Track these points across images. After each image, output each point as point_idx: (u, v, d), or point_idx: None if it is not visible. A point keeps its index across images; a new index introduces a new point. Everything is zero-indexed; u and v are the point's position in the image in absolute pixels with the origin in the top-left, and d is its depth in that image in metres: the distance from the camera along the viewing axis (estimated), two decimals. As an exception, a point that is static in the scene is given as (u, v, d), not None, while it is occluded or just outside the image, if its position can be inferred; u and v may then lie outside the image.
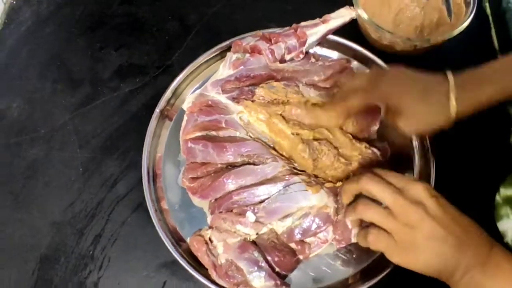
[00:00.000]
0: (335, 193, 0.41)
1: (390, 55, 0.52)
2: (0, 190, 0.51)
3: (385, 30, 0.49)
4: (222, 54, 0.53)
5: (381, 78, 0.40)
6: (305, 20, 0.58)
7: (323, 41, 0.53)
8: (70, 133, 0.54)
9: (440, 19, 0.53)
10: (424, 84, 0.38)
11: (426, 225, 0.31)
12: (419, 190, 0.33)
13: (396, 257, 0.33)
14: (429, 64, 0.41)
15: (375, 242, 0.34)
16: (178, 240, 0.44)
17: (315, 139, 0.44)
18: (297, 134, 0.44)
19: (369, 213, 0.34)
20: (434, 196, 0.33)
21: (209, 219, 0.44)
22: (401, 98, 0.38)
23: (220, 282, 0.40)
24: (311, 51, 0.53)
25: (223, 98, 0.47)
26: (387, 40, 0.50)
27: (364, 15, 0.50)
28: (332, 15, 0.53)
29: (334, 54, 0.54)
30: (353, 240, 0.40)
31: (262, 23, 0.59)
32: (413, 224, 0.32)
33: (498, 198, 0.42)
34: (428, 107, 0.38)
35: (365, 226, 0.37)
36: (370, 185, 0.34)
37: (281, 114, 0.45)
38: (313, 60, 0.52)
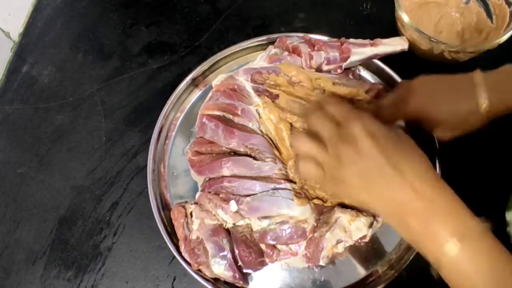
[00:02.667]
0: (320, 212, 0.41)
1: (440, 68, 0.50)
2: (27, 151, 0.53)
3: (440, 42, 0.47)
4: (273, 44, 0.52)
5: (408, 91, 0.39)
6: (335, 12, 0.58)
7: (367, 63, 0.51)
8: (96, 103, 0.55)
9: (480, 22, 0.52)
10: (450, 84, 0.38)
11: (352, 162, 0.31)
12: (356, 128, 0.32)
13: (327, 188, 0.35)
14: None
15: (305, 170, 0.34)
16: (164, 205, 0.46)
17: None
18: None
19: (303, 145, 0.34)
20: (371, 134, 0.31)
21: (197, 195, 0.45)
22: (430, 106, 0.38)
23: (185, 256, 0.41)
24: (352, 68, 0.51)
25: (248, 87, 0.48)
26: (439, 50, 0.48)
27: (416, 30, 0.48)
28: (384, 40, 0.49)
29: (373, 79, 0.52)
30: (321, 263, 0.40)
31: (291, 12, 0.60)
32: (341, 159, 0.32)
33: None
34: (456, 107, 0.37)
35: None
36: (312, 119, 0.35)
37: (290, 123, 0.45)
38: (351, 77, 0.50)
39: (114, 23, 0.61)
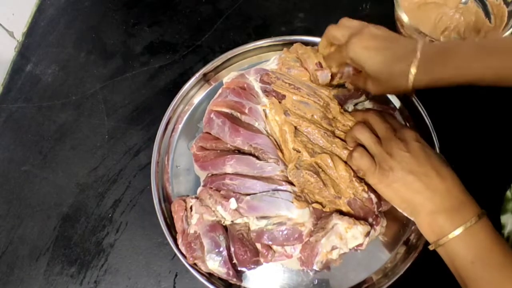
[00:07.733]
0: (318, 217, 0.41)
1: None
2: (31, 149, 0.54)
3: (439, 41, 0.46)
4: (288, 46, 0.51)
5: (355, 39, 0.39)
6: (334, 13, 0.59)
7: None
8: (99, 101, 0.56)
9: (478, 21, 0.53)
10: (393, 52, 0.38)
11: (403, 157, 0.36)
12: (408, 133, 0.37)
13: (373, 179, 0.37)
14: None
15: (359, 158, 0.38)
16: (165, 198, 0.47)
17: (312, 166, 0.42)
18: (298, 152, 0.43)
19: (362, 135, 0.39)
20: (419, 141, 0.37)
21: (199, 190, 0.46)
22: (365, 60, 0.39)
23: (182, 249, 0.42)
24: None
25: (257, 87, 0.48)
26: None
27: (416, 30, 0.47)
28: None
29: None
30: (315, 267, 0.40)
31: (292, 12, 0.60)
32: (393, 153, 0.36)
33: (508, 193, 0.43)
34: (391, 73, 0.38)
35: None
36: (371, 117, 0.40)
37: (295, 126, 0.44)
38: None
39: (117, 23, 0.62)
